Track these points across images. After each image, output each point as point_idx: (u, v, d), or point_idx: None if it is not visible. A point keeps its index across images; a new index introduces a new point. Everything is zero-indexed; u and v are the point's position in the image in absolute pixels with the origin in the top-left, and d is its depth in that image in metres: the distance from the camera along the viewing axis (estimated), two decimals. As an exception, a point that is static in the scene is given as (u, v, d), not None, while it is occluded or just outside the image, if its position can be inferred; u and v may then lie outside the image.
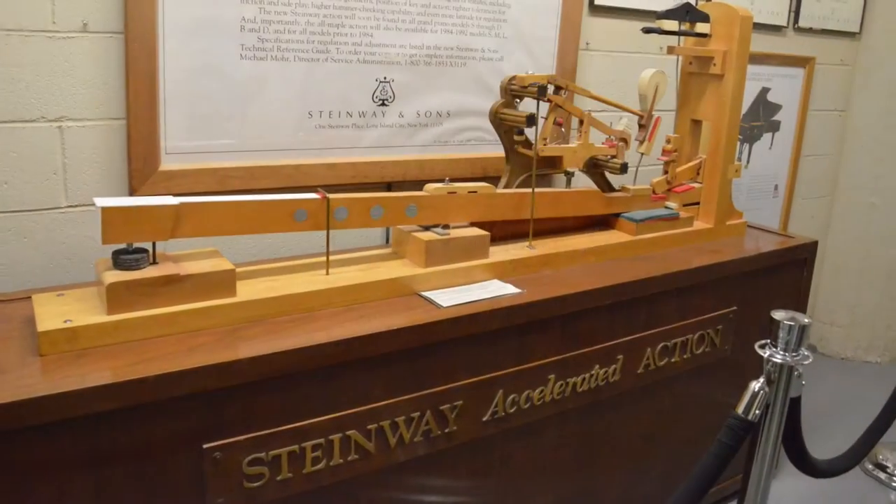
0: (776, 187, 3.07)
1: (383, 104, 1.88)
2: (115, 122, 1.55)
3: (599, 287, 1.58)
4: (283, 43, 1.69)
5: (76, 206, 1.55)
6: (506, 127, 1.74)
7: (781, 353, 1.31)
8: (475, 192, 1.60)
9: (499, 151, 1.82)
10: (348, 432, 1.28)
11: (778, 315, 1.31)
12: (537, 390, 1.53)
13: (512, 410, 1.50)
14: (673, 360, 1.79)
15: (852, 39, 3.14)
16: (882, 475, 2.39)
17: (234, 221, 1.32)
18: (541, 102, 1.68)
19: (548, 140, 1.74)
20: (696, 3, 2.00)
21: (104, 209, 1.18)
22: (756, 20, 1.99)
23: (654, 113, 1.91)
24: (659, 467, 1.90)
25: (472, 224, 1.63)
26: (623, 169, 1.81)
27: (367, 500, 1.36)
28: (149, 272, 1.22)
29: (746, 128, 2.88)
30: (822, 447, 1.83)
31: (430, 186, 1.56)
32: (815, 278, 2.90)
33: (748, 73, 1.98)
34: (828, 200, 3.30)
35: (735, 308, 1.91)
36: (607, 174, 1.89)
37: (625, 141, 1.85)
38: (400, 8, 1.83)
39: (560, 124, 1.78)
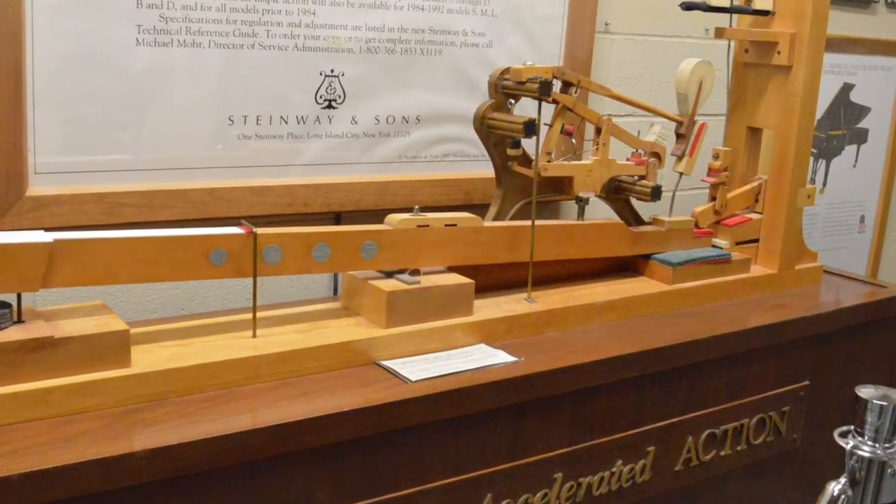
0: (862, 219, 3.12)
1: (330, 106, 1.93)
2: (-34, 130, 1.59)
3: (623, 354, 1.63)
4: (194, 23, 1.73)
5: None
6: (496, 137, 1.78)
7: (870, 443, 1.33)
8: (454, 225, 1.65)
9: (487, 170, 1.86)
10: (282, 552, 1.31)
11: (865, 392, 1.34)
12: (539, 494, 1.56)
13: (505, 523, 1.54)
14: (723, 453, 1.83)
15: (965, 19, 3.22)
16: None
17: (128, 265, 1.35)
18: (544, 104, 1.71)
19: (553, 155, 1.78)
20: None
21: (-47, 248, 1.22)
22: (835, -7, 2.06)
23: (696, 118, 1.96)
24: None
25: (451, 269, 1.67)
26: (655, 194, 1.86)
27: None
28: (12, 334, 1.24)
29: (822, 138, 2.92)
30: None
31: (393, 218, 1.60)
32: (920, 343, 2.95)
33: (825, 64, 2.02)
34: (935, 237, 3.36)
35: (807, 383, 1.96)
36: (634, 201, 1.94)
37: (657, 156, 1.90)
38: (353, -23, 1.89)
39: (570, 133, 1.82)
